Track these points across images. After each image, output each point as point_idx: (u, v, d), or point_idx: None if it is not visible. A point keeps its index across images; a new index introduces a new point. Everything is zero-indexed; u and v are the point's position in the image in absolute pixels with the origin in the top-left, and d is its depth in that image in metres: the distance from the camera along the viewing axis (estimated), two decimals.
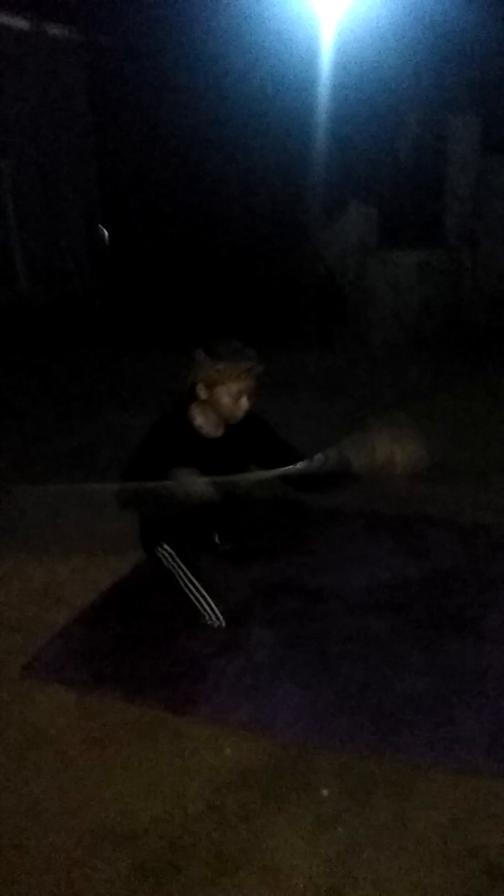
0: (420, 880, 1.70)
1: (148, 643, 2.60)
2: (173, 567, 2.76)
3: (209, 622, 2.66)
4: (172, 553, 2.78)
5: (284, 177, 10.01)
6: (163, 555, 2.80)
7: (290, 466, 2.60)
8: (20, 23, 10.27)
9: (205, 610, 2.67)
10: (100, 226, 12.70)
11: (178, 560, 2.76)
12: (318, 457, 2.58)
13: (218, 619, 2.66)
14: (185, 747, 2.15)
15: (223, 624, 2.66)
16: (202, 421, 2.76)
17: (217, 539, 2.97)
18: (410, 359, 7.39)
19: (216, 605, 2.67)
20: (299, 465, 2.60)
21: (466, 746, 2.08)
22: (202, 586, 2.70)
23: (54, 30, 10.76)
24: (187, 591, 2.71)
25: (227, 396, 2.65)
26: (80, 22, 10.91)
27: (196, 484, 2.47)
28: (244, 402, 2.68)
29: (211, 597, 2.68)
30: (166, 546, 2.80)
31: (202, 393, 2.67)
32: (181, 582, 2.73)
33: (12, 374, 6.93)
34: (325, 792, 1.97)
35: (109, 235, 12.94)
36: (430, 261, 8.53)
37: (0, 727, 2.27)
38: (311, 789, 1.98)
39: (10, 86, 10.28)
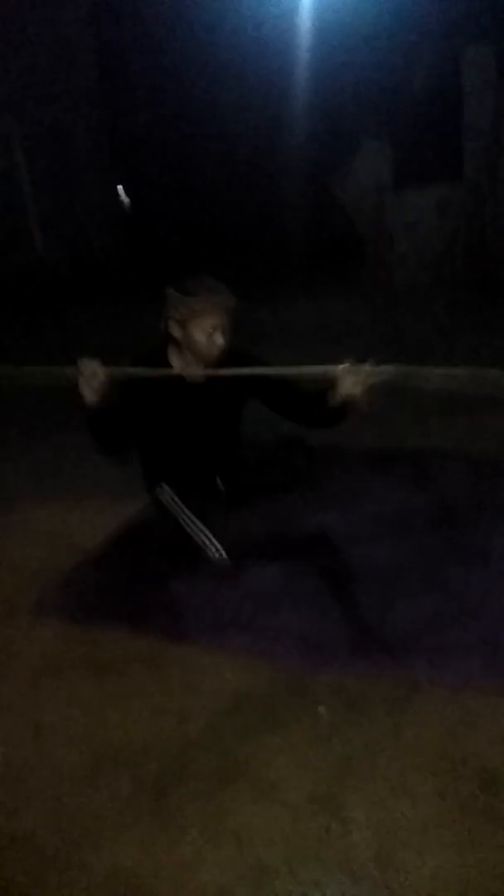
0: (413, 788, 1.73)
1: (151, 579, 2.64)
2: (174, 507, 2.77)
3: (212, 556, 2.69)
4: (173, 494, 2.79)
5: (295, 116, 9.79)
6: (163, 496, 2.81)
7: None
8: None
9: (206, 546, 2.70)
10: (119, 188, 12.59)
11: (178, 501, 2.78)
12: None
13: (220, 552, 2.68)
14: (187, 674, 2.19)
15: (225, 557, 2.68)
16: (179, 363, 2.69)
17: (219, 483, 2.97)
18: (432, 298, 7.27)
19: (217, 541, 2.69)
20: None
21: (465, 662, 2.09)
22: (203, 525, 2.72)
23: None
24: (188, 529, 2.73)
25: (200, 332, 2.58)
26: None
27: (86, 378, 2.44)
28: (218, 338, 2.60)
29: (212, 533, 2.70)
30: (166, 487, 2.81)
31: (175, 331, 2.61)
32: (182, 521, 2.74)
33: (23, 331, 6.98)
34: (321, 710, 2.00)
35: (125, 194, 12.82)
36: (449, 196, 8.31)
37: (10, 661, 2.34)
38: (309, 709, 2.01)
39: (17, 46, 10.15)
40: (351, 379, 2.47)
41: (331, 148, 9.16)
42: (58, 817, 1.77)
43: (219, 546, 2.69)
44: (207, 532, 2.71)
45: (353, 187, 8.73)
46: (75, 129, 11.18)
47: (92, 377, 2.44)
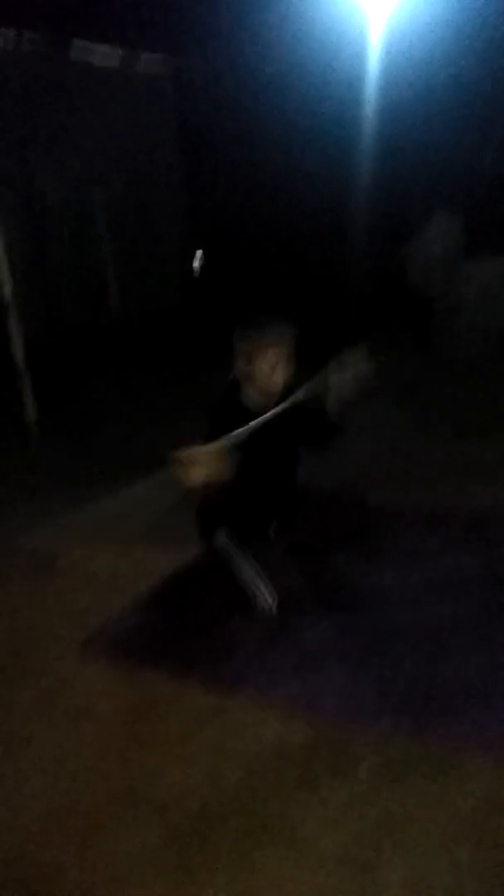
0: (451, 858, 1.65)
1: (198, 627, 2.64)
2: (228, 553, 2.78)
3: (261, 607, 2.67)
4: (228, 538, 2.81)
5: (370, 191, 10.02)
6: (219, 540, 2.83)
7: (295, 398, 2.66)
8: (111, 61, 10.80)
9: (257, 594, 2.69)
10: (197, 252, 13.04)
11: (233, 546, 2.79)
12: (305, 387, 2.70)
13: (269, 604, 2.67)
14: (225, 725, 2.17)
15: (274, 610, 2.66)
16: (249, 399, 2.77)
17: (272, 531, 2.98)
18: (499, 369, 7.20)
19: (268, 592, 2.68)
20: (291, 399, 2.66)
21: None
22: (255, 573, 2.72)
23: (143, 64, 11.24)
24: (240, 577, 2.73)
25: (263, 365, 2.69)
26: (169, 55, 11.35)
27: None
28: (280, 369, 2.71)
29: (263, 583, 2.70)
30: (223, 532, 2.83)
31: (243, 366, 2.72)
32: (236, 566, 2.75)
33: (101, 387, 7.20)
34: (362, 771, 1.94)
35: (202, 257, 13.25)
36: None
37: (53, 700, 2.35)
38: (348, 768, 1.95)
39: (104, 119, 10.78)
40: (344, 370, 2.65)
41: (402, 220, 9.32)
42: (85, 857, 1.75)
43: (269, 596, 2.68)
44: (259, 582, 2.70)
45: (422, 258, 8.82)
46: (154, 199, 11.72)
47: (200, 466, 2.33)
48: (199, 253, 13.13)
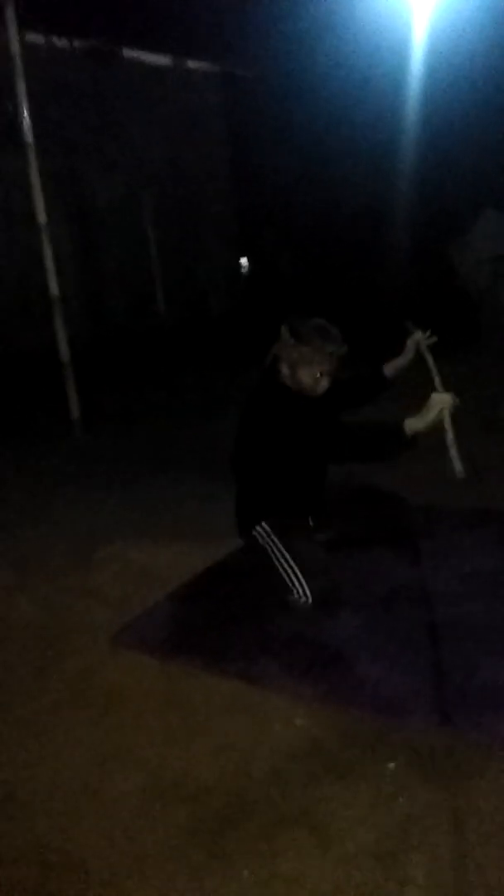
0: (478, 854, 1.61)
1: (233, 619, 2.64)
2: (268, 543, 2.76)
3: (297, 599, 2.66)
4: (269, 531, 2.78)
5: (418, 190, 9.93)
6: (259, 532, 2.80)
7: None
8: (162, 59, 10.88)
9: (294, 586, 2.67)
10: (243, 258, 13.09)
11: (273, 536, 2.76)
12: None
13: (306, 596, 2.65)
14: (257, 716, 2.16)
15: (310, 602, 2.64)
16: (294, 388, 2.74)
17: (311, 522, 2.96)
18: None
19: (306, 583, 2.67)
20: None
21: None
22: (294, 563, 2.70)
23: (193, 65, 11.30)
24: (279, 567, 2.71)
25: (309, 377, 2.66)
26: (218, 56, 11.40)
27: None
28: (324, 382, 2.68)
29: (302, 574, 2.68)
30: (264, 523, 2.80)
31: (285, 370, 2.69)
32: (274, 557, 2.73)
33: (145, 386, 7.27)
34: (391, 766, 1.91)
35: (248, 262, 13.31)
36: None
37: (86, 687, 2.37)
38: (377, 763, 1.93)
39: (153, 119, 10.86)
40: (443, 401, 2.49)
41: (450, 218, 9.21)
42: (111, 845, 1.76)
43: (307, 590, 2.67)
44: (298, 573, 2.68)
45: (470, 255, 8.71)
46: (204, 205, 11.77)
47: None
48: (244, 259, 13.18)
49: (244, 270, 13.71)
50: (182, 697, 2.27)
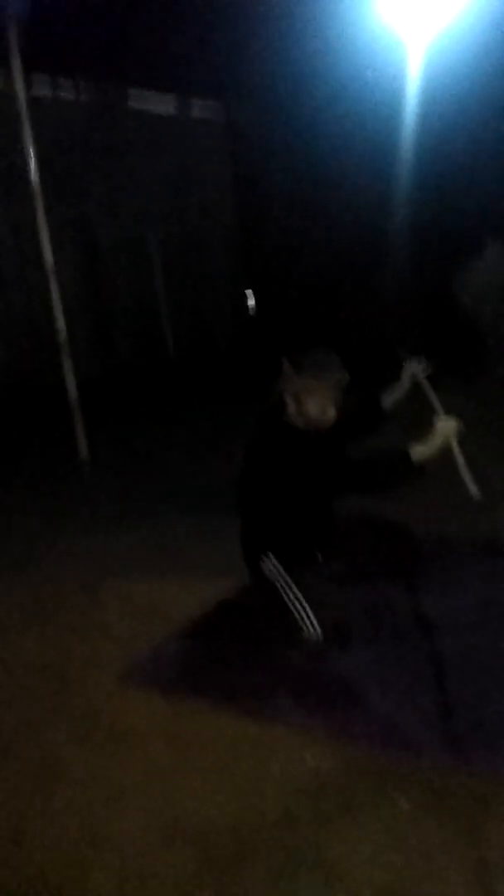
0: (490, 890, 1.58)
1: (241, 655, 2.62)
2: (277, 578, 2.74)
3: (307, 635, 2.64)
4: (277, 564, 2.77)
5: (422, 224, 10.04)
6: (267, 566, 2.79)
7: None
8: (166, 108, 11.16)
9: (304, 622, 2.65)
10: (247, 293, 13.24)
11: (282, 571, 2.75)
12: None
13: (316, 631, 2.63)
14: (267, 755, 2.13)
15: (320, 637, 2.62)
16: (301, 425, 2.74)
17: (319, 555, 2.95)
18: None
19: (315, 617, 2.65)
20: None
21: None
22: (304, 598, 2.68)
23: (197, 111, 11.57)
24: (288, 602, 2.69)
25: (314, 407, 2.66)
26: (221, 101, 11.67)
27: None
28: (331, 412, 2.68)
29: (311, 608, 2.66)
30: (272, 557, 2.79)
31: (290, 404, 2.70)
32: (283, 592, 2.71)
33: (153, 425, 7.30)
34: (403, 804, 1.88)
35: (254, 298, 13.44)
36: None
37: (92, 728, 2.35)
38: (388, 800, 1.90)
39: (158, 164, 11.09)
40: (449, 427, 2.53)
41: (454, 250, 9.30)
42: (118, 887, 1.74)
43: (315, 623, 2.64)
44: (307, 608, 2.66)
45: (475, 286, 8.77)
46: (208, 240, 11.96)
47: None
48: (250, 293, 13.31)
49: (251, 306, 13.84)
50: (190, 736, 2.25)
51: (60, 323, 5.42)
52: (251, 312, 13.57)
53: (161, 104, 11.08)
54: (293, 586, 2.71)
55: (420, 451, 2.51)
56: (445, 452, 2.54)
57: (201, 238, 11.89)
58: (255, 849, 1.79)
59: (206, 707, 2.37)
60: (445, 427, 2.53)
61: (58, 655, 2.83)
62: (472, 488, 2.47)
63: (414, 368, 3.04)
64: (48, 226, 5.39)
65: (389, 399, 3.04)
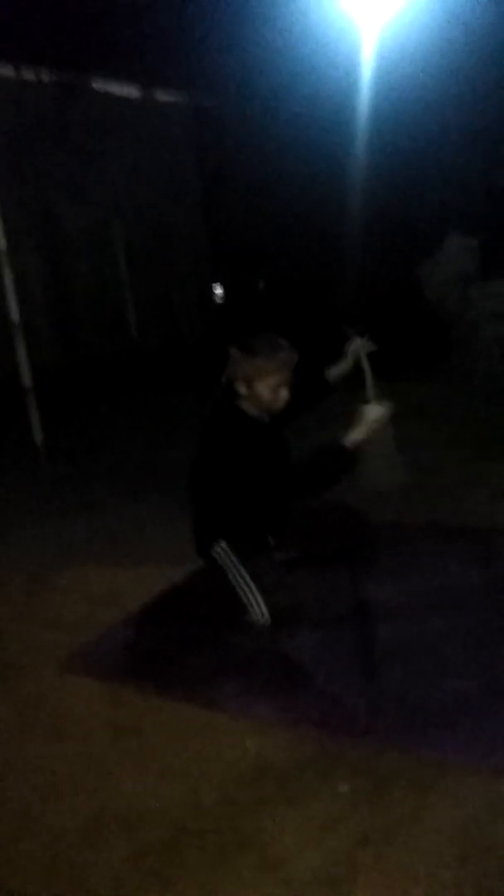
0: (429, 875, 1.56)
1: (188, 642, 2.59)
2: (227, 562, 2.71)
3: (254, 619, 2.61)
4: (228, 550, 2.73)
5: (385, 215, 10.05)
6: (218, 551, 2.75)
7: None
8: (132, 91, 10.98)
9: (252, 606, 2.63)
10: (215, 285, 13.16)
11: (233, 557, 2.71)
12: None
13: (263, 616, 2.61)
14: (208, 740, 2.10)
15: (268, 622, 2.60)
16: (254, 410, 2.72)
17: (271, 540, 2.92)
18: None
19: (264, 603, 2.62)
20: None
21: (501, 746, 1.91)
22: (253, 582, 2.66)
23: (162, 96, 11.42)
24: (237, 586, 2.66)
25: (266, 389, 2.63)
26: (187, 87, 11.53)
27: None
28: (284, 393, 2.66)
29: (261, 593, 2.64)
30: (223, 542, 2.75)
31: (242, 389, 2.66)
32: (232, 577, 2.68)
33: (113, 412, 7.23)
34: (343, 787, 1.86)
35: (222, 289, 13.38)
36: None
37: (33, 717, 2.30)
38: (329, 784, 1.88)
39: (123, 149, 10.94)
40: (375, 412, 2.59)
41: (418, 241, 9.33)
42: (52, 876, 1.69)
43: (265, 610, 2.62)
44: (256, 592, 2.64)
45: (438, 278, 8.81)
46: (175, 232, 11.84)
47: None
48: (218, 286, 13.24)
49: (219, 297, 13.77)
50: (132, 724, 2.21)
51: (13, 308, 5.31)
52: (218, 301, 13.51)
53: (126, 87, 10.91)
54: (243, 572, 2.68)
55: (352, 438, 2.55)
56: (376, 435, 2.59)
57: (167, 227, 11.76)
58: (192, 836, 1.76)
59: (150, 694, 2.33)
60: (373, 412, 2.58)
61: (3, 644, 2.77)
62: (398, 476, 2.50)
63: (357, 345, 3.01)
64: (1, 208, 5.27)
65: (333, 373, 3.04)
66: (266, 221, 11.89)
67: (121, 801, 1.91)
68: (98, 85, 10.68)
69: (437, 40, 7.84)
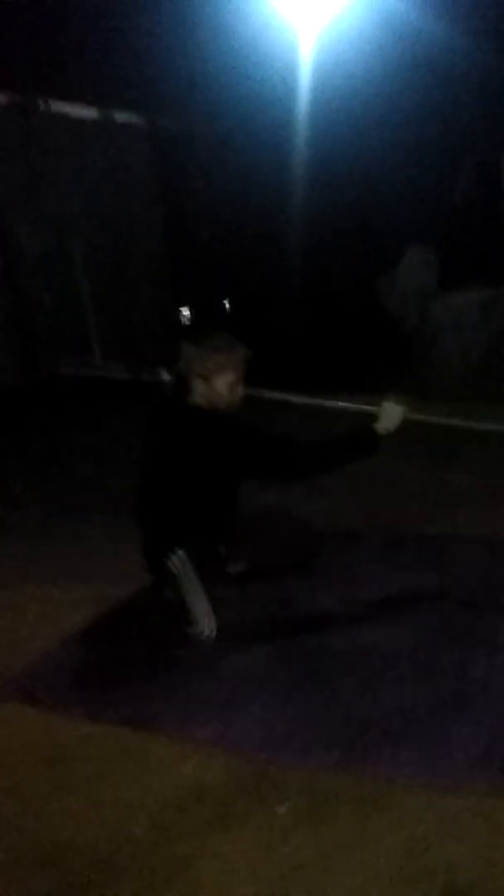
0: None
1: (126, 662, 2.46)
2: (181, 572, 2.60)
3: (200, 632, 2.51)
4: (177, 563, 2.61)
5: (345, 230, 10.09)
6: (174, 560, 2.62)
7: None
8: (90, 112, 10.97)
9: (199, 619, 2.53)
10: (182, 308, 13.10)
11: (181, 570, 2.60)
12: None
13: (210, 630, 2.51)
14: (142, 766, 1.98)
15: (213, 636, 2.50)
16: (207, 407, 2.65)
17: (222, 551, 2.81)
18: (476, 399, 7.11)
19: (209, 618, 2.52)
20: None
21: (449, 761, 1.82)
22: (201, 596, 2.55)
23: (121, 117, 11.41)
24: (187, 597, 2.56)
25: (224, 386, 2.59)
26: (145, 108, 11.53)
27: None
28: (240, 388, 2.62)
29: (209, 608, 2.54)
30: (172, 555, 2.63)
31: (199, 386, 2.60)
32: (185, 588, 2.57)
33: (70, 433, 7.10)
34: (281, 810, 1.75)
35: (189, 311, 13.31)
36: (493, 299, 8.29)
37: None
38: (268, 807, 1.77)
39: (82, 170, 10.90)
40: (394, 411, 2.59)
41: (376, 254, 9.37)
42: None
43: (212, 623, 2.52)
44: (205, 606, 2.54)
45: (398, 290, 8.84)
46: (137, 253, 11.78)
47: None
48: (185, 309, 13.19)
49: (186, 319, 13.70)
50: (64, 751, 2.08)
51: None
52: (186, 323, 13.43)
53: (84, 109, 10.89)
54: (192, 585, 2.58)
55: (381, 426, 2.58)
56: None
57: (128, 248, 11.71)
58: (117, 869, 1.64)
59: (82, 719, 2.19)
60: (395, 408, 2.60)
61: None
62: None
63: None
64: None
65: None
66: (229, 242, 11.90)
67: (45, 834, 1.78)
68: (55, 107, 10.65)
69: (409, 69, 7.97)
